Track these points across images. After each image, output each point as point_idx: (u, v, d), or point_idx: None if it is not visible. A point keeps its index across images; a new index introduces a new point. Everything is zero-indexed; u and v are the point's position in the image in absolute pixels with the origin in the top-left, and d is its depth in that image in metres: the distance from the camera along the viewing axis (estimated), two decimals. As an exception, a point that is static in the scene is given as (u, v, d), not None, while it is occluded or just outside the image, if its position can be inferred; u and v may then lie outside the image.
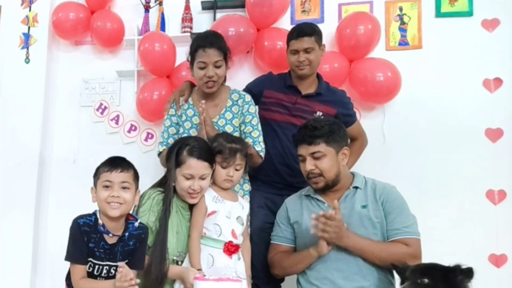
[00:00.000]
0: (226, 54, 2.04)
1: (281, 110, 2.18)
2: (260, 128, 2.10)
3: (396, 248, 1.68)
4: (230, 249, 1.78)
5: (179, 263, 1.78)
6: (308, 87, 2.22)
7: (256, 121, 2.10)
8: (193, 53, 2.04)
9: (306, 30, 2.15)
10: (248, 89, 2.29)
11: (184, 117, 2.11)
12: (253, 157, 2.02)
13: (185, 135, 2.06)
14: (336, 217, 1.64)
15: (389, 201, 1.74)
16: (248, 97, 2.12)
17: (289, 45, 2.19)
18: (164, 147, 2.10)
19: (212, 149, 1.81)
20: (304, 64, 2.14)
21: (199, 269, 1.69)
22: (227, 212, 1.81)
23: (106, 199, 1.55)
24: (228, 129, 2.06)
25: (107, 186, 1.57)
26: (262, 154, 2.06)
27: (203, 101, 1.96)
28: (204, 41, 2.02)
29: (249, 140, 2.03)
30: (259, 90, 2.25)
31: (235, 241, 1.79)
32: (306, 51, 2.13)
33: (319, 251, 1.70)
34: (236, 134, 2.05)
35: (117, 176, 1.57)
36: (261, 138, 2.08)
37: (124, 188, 1.58)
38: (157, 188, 1.80)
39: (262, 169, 2.13)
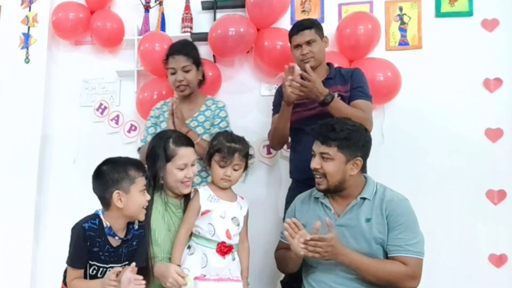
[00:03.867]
0: (195, 60, 2.22)
1: (298, 109, 2.16)
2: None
3: (392, 266, 1.62)
4: (223, 249, 1.75)
5: None
6: (320, 77, 2.17)
7: (224, 124, 2.22)
8: (165, 62, 2.24)
9: (305, 24, 2.18)
10: (276, 105, 2.32)
11: (161, 118, 2.27)
12: None
13: None
14: (328, 236, 1.59)
15: (393, 216, 1.67)
16: (221, 103, 2.28)
17: (291, 41, 2.21)
18: (143, 143, 2.24)
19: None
20: (308, 56, 2.15)
21: (179, 265, 1.68)
22: (221, 212, 1.79)
23: (144, 204, 1.58)
24: (199, 130, 2.20)
25: (143, 192, 1.59)
26: None
27: (176, 97, 2.17)
28: (172, 49, 2.22)
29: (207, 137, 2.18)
30: (280, 102, 2.23)
31: (228, 242, 1.77)
32: (308, 43, 2.14)
33: (296, 252, 1.66)
34: (206, 136, 2.17)
35: (145, 180, 1.61)
36: None
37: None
38: None
39: (296, 169, 2.20)
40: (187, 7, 2.84)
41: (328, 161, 1.70)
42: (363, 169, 1.78)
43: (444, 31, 2.61)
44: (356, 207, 1.72)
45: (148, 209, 1.72)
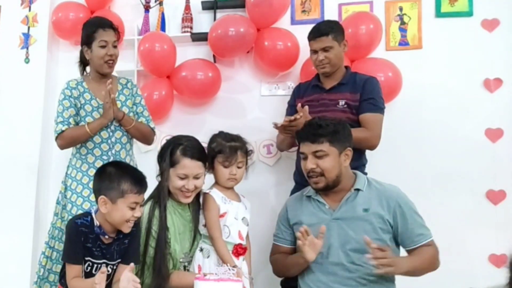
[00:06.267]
0: (119, 38, 2.22)
1: None
2: (147, 109, 2.30)
3: (428, 253, 1.68)
4: (239, 251, 1.78)
5: (187, 264, 1.78)
6: (334, 81, 2.21)
7: (144, 102, 2.30)
8: (91, 33, 2.12)
9: (322, 30, 2.15)
10: (290, 104, 2.34)
11: (82, 101, 2.15)
12: (149, 134, 2.25)
13: (89, 117, 2.13)
14: (388, 251, 1.59)
15: (402, 205, 1.70)
16: (134, 81, 2.35)
17: (309, 44, 2.21)
18: (66, 126, 2.10)
19: (203, 148, 1.81)
20: (324, 63, 2.15)
21: (234, 266, 1.67)
22: (235, 213, 1.81)
23: (129, 219, 1.56)
24: (125, 110, 2.19)
25: (133, 208, 1.55)
26: (155, 130, 2.31)
27: (110, 80, 2.04)
28: (102, 22, 2.16)
29: (142, 119, 2.24)
30: (294, 103, 2.27)
31: (243, 243, 1.80)
32: (324, 50, 2.14)
33: (307, 258, 1.67)
34: (131, 114, 2.21)
35: (142, 197, 1.60)
36: (151, 117, 2.30)
37: (141, 206, 1.61)
38: (149, 201, 1.78)
39: (298, 171, 2.20)
40: (187, 7, 2.83)
41: (324, 158, 1.71)
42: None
43: (444, 31, 2.61)
44: (351, 199, 1.75)
45: (162, 214, 1.72)
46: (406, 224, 1.69)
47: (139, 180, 1.58)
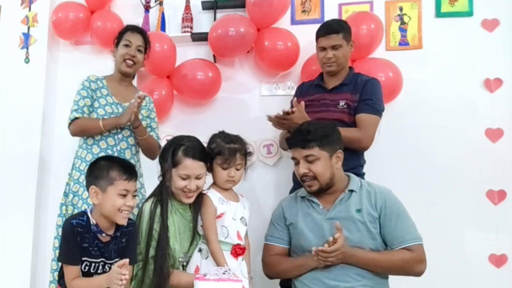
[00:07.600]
0: (148, 46, 2.28)
1: (307, 110, 2.14)
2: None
3: (399, 255, 1.68)
4: (238, 251, 1.77)
5: (185, 264, 1.78)
6: (337, 81, 2.20)
7: (157, 119, 2.37)
8: (120, 35, 2.24)
9: (333, 28, 2.14)
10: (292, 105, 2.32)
11: (99, 94, 2.22)
12: (156, 150, 2.23)
13: (101, 109, 2.18)
14: (338, 245, 1.62)
15: (388, 207, 1.72)
16: (150, 97, 2.38)
17: (318, 42, 2.19)
18: (80, 114, 2.16)
19: (205, 148, 1.81)
20: (331, 61, 2.14)
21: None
22: (233, 214, 1.80)
23: (121, 208, 1.56)
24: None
25: (123, 195, 1.56)
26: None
27: (142, 95, 2.06)
28: (132, 27, 2.27)
29: (153, 135, 2.29)
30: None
31: (242, 243, 1.79)
32: (334, 48, 2.13)
33: (318, 264, 1.70)
34: (144, 122, 2.24)
35: (133, 185, 1.60)
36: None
37: (134, 196, 1.62)
38: (151, 199, 1.79)
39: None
40: (187, 7, 2.83)
41: (315, 162, 1.74)
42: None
43: (444, 31, 2.61)
44: (345, 200, 1.77)
45: (164, 214, 1.72)
46: (390, 226, 1.71)
47: (127, 168, 1.61)
